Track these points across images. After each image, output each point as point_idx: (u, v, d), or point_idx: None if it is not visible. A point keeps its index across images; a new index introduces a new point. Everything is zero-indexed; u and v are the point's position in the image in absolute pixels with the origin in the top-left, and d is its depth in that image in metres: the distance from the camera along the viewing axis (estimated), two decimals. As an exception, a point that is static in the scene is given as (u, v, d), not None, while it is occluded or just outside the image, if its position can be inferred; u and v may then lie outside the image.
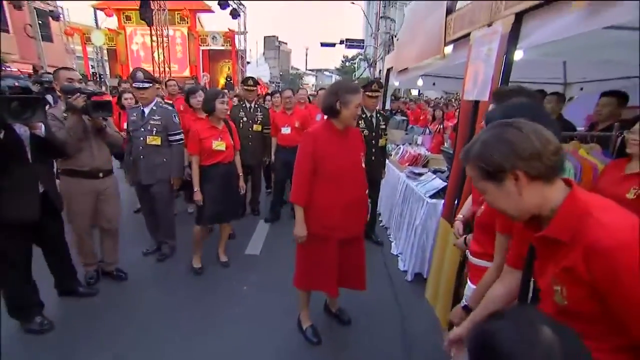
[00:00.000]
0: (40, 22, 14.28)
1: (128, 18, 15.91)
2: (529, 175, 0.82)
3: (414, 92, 17.78)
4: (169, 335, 2.29)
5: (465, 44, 2.32)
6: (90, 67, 16.60)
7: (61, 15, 14.73)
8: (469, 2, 2.25)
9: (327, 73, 51.45)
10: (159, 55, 11.68)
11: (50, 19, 14.25)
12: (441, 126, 5.05)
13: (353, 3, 23.34)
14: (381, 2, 21.45)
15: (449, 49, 2.64)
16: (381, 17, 22.83)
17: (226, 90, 5.76)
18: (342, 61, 39.88)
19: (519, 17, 1.74)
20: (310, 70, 56.75)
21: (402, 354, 2.20)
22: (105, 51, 16.74)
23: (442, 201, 2.63)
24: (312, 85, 45.16)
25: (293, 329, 2.36)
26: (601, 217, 0.77)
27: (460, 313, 1.42)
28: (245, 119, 4.05)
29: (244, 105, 4.15)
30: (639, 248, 0.71)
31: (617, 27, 1.73)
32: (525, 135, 0.82)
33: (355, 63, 35.91)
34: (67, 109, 2.35)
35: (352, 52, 33.75)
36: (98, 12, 16.30)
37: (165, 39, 11.63)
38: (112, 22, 16.20)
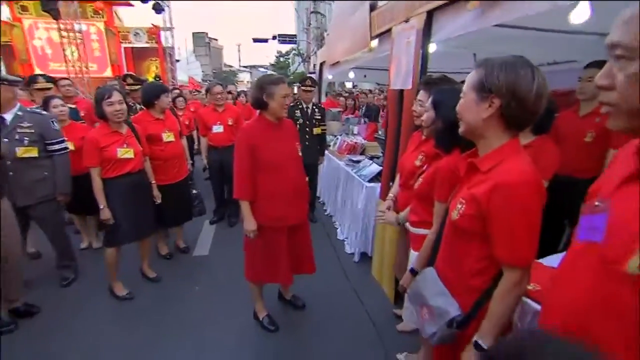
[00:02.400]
0: None
1: (24, 8, 13.75)
2: (501, 111, 0.96)
3: (349, 85, 18.40)
4: (124, 350, 2.18)
5: (388, 38, 2.54)
6: (-23, 66, 14.21)
7: None
8: (386, 2, 2.47)
9: (261, 69, 50.55)
10: (72, 53, 10.43)
11: None
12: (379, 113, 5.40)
13: (283, -2, 23.27)
14: (311, -3, 21.69)
15: (374, 43, 2.85)
16: (312, 12, 23.12)
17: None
18: (276, 57, 39.47)
19: (430, 14, 1.98)
20: (244, 66, 55.25)
21: (359, 327, 2.37)
22: (-4, 47, 14.41)
23: (379, 184, 2.86)
24: (247, 82, 44.09)
25: (250, 321, 2.41)
26: (515, 162, 0.98)
27: (409, 277, 1.60)
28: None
29: (133, 106, 3.57)
30: (529, 190, 0.94)
31: (503, 25, 2.06)
32: (533, 82, 0.92)
33: (289, 58, 35.85)
34: None
35: (285, 48, 33.59)
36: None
37: (77, 34, 10.40)
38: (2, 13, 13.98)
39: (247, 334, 2.31)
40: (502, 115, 0.97)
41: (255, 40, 22.50)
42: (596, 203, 0.70)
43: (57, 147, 2.63)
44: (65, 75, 7.73)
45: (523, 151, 1.03)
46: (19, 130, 2.45)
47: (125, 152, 2.51)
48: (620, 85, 0.61)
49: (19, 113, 2.48)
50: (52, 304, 2.60)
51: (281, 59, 38.21)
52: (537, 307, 1.26)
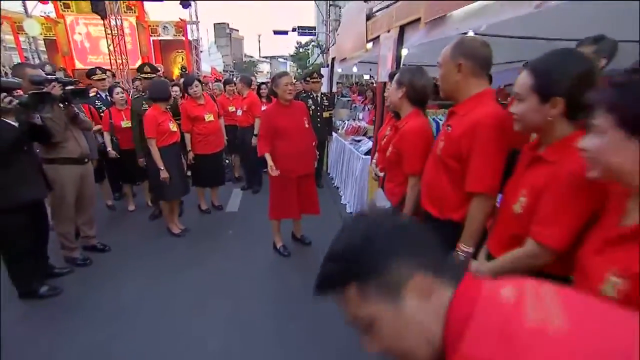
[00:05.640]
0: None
1: (66, 6, 15.09)
2: (406, 95, 1.78)
3: (366, 77, 18.97)
4: (179, 267, 3.14)
5: (378, 42, 3.34)
6: (25, 59, 15.66)
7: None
8: (377, 14, 3.26)
9: (281, 60, 51.28)
10: (107, 46, 11.54)
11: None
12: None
13: (302, -10, 23.69)
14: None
15: (369, 45, 3.65)
16: (331, 5, 23.61)
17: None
18: (296, 47, 40.05)
19: (402, 28, 2.77)
20: (264, 57, 56.16)
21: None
22: (41, 42, 15.80)
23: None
24: (267, 72, 44.92)
25: (270, 251, 3.32)
26: (413, 120, 1.80)
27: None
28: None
29: (144, 94, 3.77)
30: (415, 134, 1.76)
31: (484, 34, 2.79)
32: (422, 78, 1.76)
33: (309, 49, 36.42)
34: (28, 101, 2.28)
35: (305, 39, 34.18)
36: (29, -1, 15.27)
37: (119, 30, 11.52)
38: (47, 10, 15.32)
39: (267, 259, 3.23)
40: (407, 97, 1.81)
41: (276, 32, 23.23)
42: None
43: None
44: (107, 68, 8.78)
45: (421, 117, 1.86)
46: None
47: (174, 126, 3.44)
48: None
49: None
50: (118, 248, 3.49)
51: (300, 50, 38.74)
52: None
